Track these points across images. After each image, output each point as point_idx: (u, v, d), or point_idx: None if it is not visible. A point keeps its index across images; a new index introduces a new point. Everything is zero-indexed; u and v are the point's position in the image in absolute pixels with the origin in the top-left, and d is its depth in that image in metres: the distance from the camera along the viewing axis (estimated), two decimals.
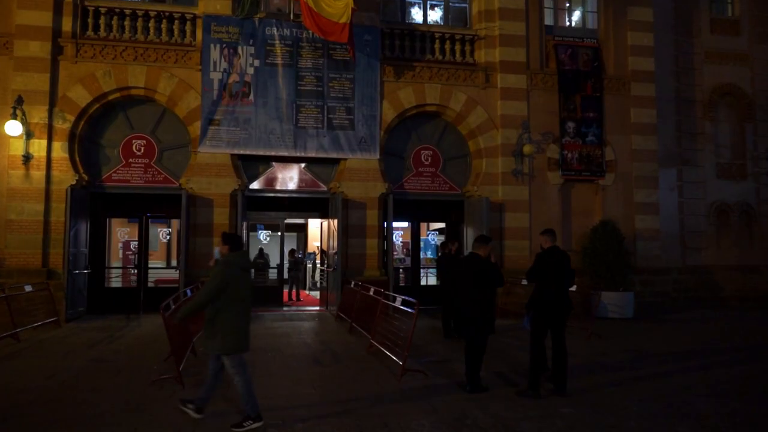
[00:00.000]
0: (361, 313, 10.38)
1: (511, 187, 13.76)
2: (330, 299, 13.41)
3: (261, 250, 16.50)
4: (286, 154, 12.92)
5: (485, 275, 6.44)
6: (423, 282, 15.15)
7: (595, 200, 14.50)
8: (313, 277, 20.17)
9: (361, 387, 6.61)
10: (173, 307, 7.22)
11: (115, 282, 14.93)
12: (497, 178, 13.80)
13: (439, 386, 6.65)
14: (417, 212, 14.60)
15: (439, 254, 12.98)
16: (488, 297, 6.47)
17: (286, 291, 15.94)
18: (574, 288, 6.95)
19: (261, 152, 12.80)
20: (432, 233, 15.60)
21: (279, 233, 15.08)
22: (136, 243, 15.87)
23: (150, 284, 14.23)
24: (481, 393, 6.29)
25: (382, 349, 8.03)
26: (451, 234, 14.85)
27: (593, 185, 14.47)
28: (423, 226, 16.01)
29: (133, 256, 15.52)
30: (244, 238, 12.90)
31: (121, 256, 16.88)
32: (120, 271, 15.60)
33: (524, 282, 12.17)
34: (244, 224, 13.03)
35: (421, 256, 15.17)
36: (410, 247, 14.94)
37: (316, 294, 18.00)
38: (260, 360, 8.04)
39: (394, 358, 7.48)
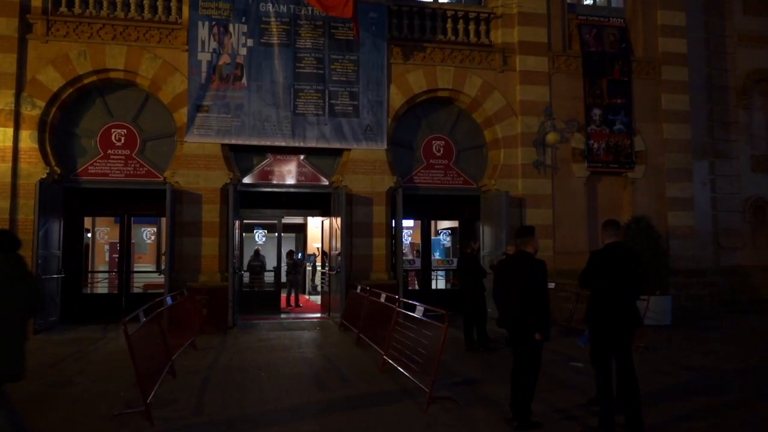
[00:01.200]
0: (370, 322, 9.06)
1: (532, 181, 12.45)
2: (333, 305, 12.08)
3: (257, 251, 15.18)
4: (283, 143, 11.59)
5: (540, 276, 5.12)
6: (431, 285, 13.83)
7: (624, 195, 13.19)
8: (313, 280, 18.87)
9: (378, 421, 5.27)
10: (143, 319, 5.87)
11: (102, 287, 13.60)
12: (517, 170, 12.50)
13: (475, 420, 5.32)
14: (427, 209, 13.29)
15: (460, 255, 11.63)
16: (545, 303, 5.13)
17: (284, 296, 14.62)
18: (644, 297, 5.60)
19: (255, 142, 11.47)
20: (444, 232, 14.26)
21: (276, 233, 13.75)
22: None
23: (138, 290, 12.97)
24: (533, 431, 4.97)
25: (399, 368, 6.71)
26: (466, 233, 13.53)
27: (621, 178, 13.16)
28: (432, 224, 14.63)
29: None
30: (237, 238, 11.57)
31: (107, 259, 15.55)
32: (105, 276, 14.23)
33: (550, 285, 10.88)
34: (237, 223, 11.69)
35: (432, 257, 13.82)
36: (420, 247, 13.59)
37: (317, 299, 16.66)
38: (251, 382, 6.71)
39: (414, 380, 6.15)
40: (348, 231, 11.51)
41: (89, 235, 14.14)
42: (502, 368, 7.40)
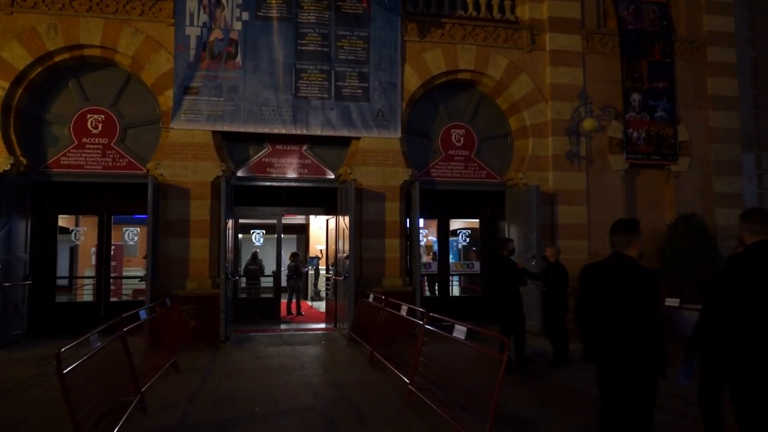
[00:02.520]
0: (386, 338, 7.67)
1: (564, 174, 11.01)
2: (340, 314, 10.64)
3: (254, 254, 13.74)
4: (283, 131, 10.17)
5: (653, 290, 3.63)
6: (449, 292, 12.38)
7: (666, 190, 11.74)
8: (315, 285, 17.43)
9: None
10: (96, 345, 4.43)
11: (87, 295, 12.17)
12: (547, 162, 11.07)
13: None
14: (445, 206, 11.84)
15: (495, 258, 10.15)
16: (660, 329, 3.61)
17: (283, 302, 13.18)
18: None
19: (251, 129, 10.04)
20: (463, 233, 12.81)
21: (275, 234, 12.30)
22: (112, 248, 13.19)
23: (127, 297, 11.61)
24: None
25: (430, 403, 5.26)
26: (488, 234, 12.09)
27: (663, 172, 11.72)
28: (449, 224, 13.15)
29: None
30: (230, 239, 10.14)
31: (93, 263, 14.11)
32: (85, 282, 12.80)
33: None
34: (230, 222, 10.26)
35: (451, 260, 12.36)
36: (436, 249, 12.12)
37: (320, 305, 15.25)
38: (242, 421, 5.27)
39: (453, 422, 4.71)
40: (357, 231, 10.08)
41: (73, 236, 12.70)
42: (559, 401, 5.97)
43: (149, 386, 6.05)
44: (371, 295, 8.87)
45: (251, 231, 14.77)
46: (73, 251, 15.16)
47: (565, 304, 7.96)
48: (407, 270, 10.59)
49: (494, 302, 7.75)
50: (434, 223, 13.42)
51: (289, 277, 13.64)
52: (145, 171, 9.74)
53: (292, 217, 18.11)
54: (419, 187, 10.28)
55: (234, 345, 9.27)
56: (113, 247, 13.19)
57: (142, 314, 6.58)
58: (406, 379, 5.92)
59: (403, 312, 6.67)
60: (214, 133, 9.91)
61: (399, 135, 10.48)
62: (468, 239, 12.89)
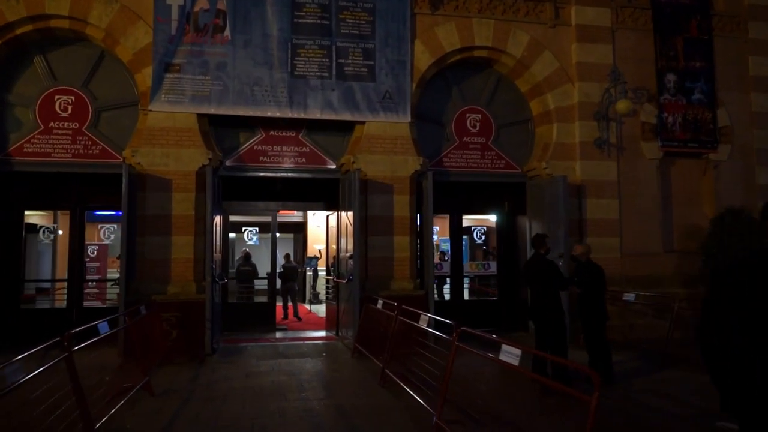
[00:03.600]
0: (401, 352, 6.46)
1: (593, 164, 9.84)
2: (343, 321, 9.45)
3: (247, 254, 12.53)
4: (277, 114, 8.98)
5: None
6: (463, 295, 11.18)
7: (703, 182, 10.58)
8: (314, 287, 16.25)
9: None
10: (19, 377, 3.23)
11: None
12: (573, 150, 9.90)
13: None
14: (458, 199, 10.65)
15: (533, 257, 8.97)
16: None
17: (278, 304, 12.01)
18: None
19: (241, 112, 8.85)
20: (478, 229, 11.61)
21: (270, 233, 11.10)
22: (96, 247, 12.02)
23: (111, 302, 10.40)
24: None
25: None
26: (506, 231, 10.92)
27: (700, 161, 10.56)
28: (457, 219, 11.91)
29: (91, 265, 11.57)
30: (218, 237, 8.94)
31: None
32: (55, 286, 11.59)
33: (628, 298, 8.30)
34: (218, 218, 9.07)
35: (465, 260, 11.17)
36: (448, 248, 10.94)
37: (318, 309, 14.08)
38: None
39: None
40: (362, 227, 8.89)
41: (42, 235, 11.50)
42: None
43: (110, 417, 4.86)
44: (380, 301, 7.68)
45: (243, 229, 13.57)
46: (54, 251, 13.97)
47: (604, 309, 6.79)
48: (418, 271, 9.41)
49: (531, 308, 6.52)
50: (444, 220, 12.33)
51: (283, 279, 12.46)
52: (122, 159, 8.54)
53: (289, 215, 17.00)
54: (432, 178, 9.08)
55: (222, 358, 8.07)
56: (97, 246, 12.04)
57: (103, 327, 5.37)
58: (430, 409, 4.73)
59: (423, 323, 5.48)
60: (200, 116, 8.72)
61: (408, 119, 9.30)
62: (484, 237, 11.70)
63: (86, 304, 10.42)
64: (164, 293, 8.28)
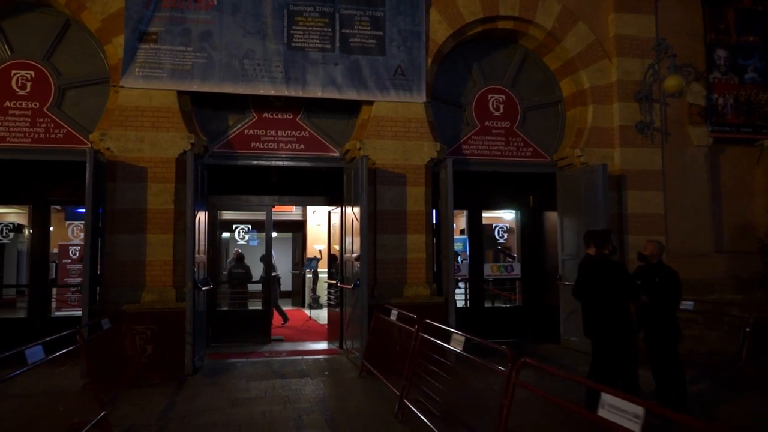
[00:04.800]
0: (422, 374, 5.19)
1: (634, 151, 8.58)
2: (347, 331, 8.19)
3: (239, 255, 11.26)
4: (272, 92, 7.71)
5: None
6: (483, 301, 9.90)
7: (757, 172, 9.32)
8: (314, 291, 14.98)
9: None
10: None
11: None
12: (612, 135, 8.64)
13: None
14: (478, 192, 9.40)
15: (595, 258, 7.70)
16: None
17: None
18: None
19: (229, 89, 7.58)
20: (500, 227, 10.31)
21: (265, 231, 9.81)
22: (78, 248, 10.76)
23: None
24: None
25: None
26: (531, 227, 9.66)
27: (753, 149, 9.31)
28: (476, 215, 10.58)
29: (73, 267, 10.33)
30: (201, 236, 7.66)
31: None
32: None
33: (686, 305, 7.04)
34: (202, 213, 7.81)
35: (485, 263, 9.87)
36: (467, 247, 9.66)
37: (319, 314, 12.82)
38: None
39: None
40: (371, 224, 7.62)
41: (11, 233, 10.24)
42: None
43: None
44: (394, 312, 6.41)
45: (234, 227, 12.29)
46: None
47: (677, 323, 5.51)
48: (435, 275, 8.14)
49: (592, 322, 5.22)
50: (460, 215, 11.11)
51: (274, 281, 11.21)
52: (90, 145, 7.26)
53: (287, 212, 15.78)
54: (452, 168, 7.80)
55: (206, 378, 6.80)
56: (79, 247, 10.77)
57: (36, 354, 4.06)
58: None
59: (457, 346, 4.19)
60: (180, 94, 7.45)
61: (423, 98, 8.04)
62: (505, 235, 10.41)
63: (62, 312, 9.24)
64: (138, 301, 7.01)
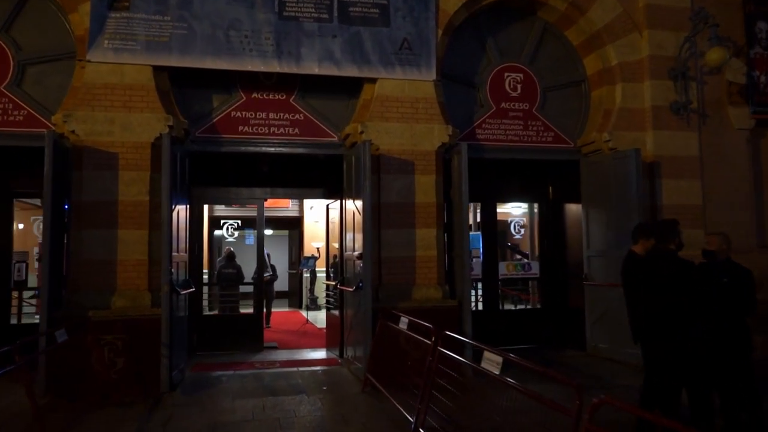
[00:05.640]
0: (439, 394, 4.28)
1: (669, 135, 7.67)
2: (348, 338, 7.27)
3: (230, 254, 10.38)
4: (262, 68, 6.79)
5: None
6: (499, 303, 8.99)
7: None
8: (311, 291, 14.11)
9: None
10: None
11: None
12: (643, 118, 7.73)
13: None
14: (492, 182, 8.48)
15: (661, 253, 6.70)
16: None
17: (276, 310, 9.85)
18: None
19: (213, 64, 6.65)
20: (516, 222, 9.34)
21: (258, 227, 8.89)
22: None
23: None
24: None
25: None
26: (550, 220, 8.76)
27: None
28: (490, 207, 9.63)
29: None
30: (182, 231, 6.73)
31: (36, 267, 10.75)
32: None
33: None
34: (182, 207, 6.88)
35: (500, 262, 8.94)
36: (480, 244, 8.74)
37: (317, 317, 11.92)
38: None
39: None
40: (374, 218, 6.69)
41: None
42: None
43: None
44: (403, 319, 5.49)
45: (222, 223, 11.36)
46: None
47: (748, 330, 4.59)
48: (447, 275, 7.22)
49: (651, 329, 4.27)
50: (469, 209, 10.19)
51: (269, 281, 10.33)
52: (52, 128, 6.32)
53: (282, 208, 14.89)
54: (467, 153, 6.88)
55: (185, 397, 5.88)
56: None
57: None
58: None
59: (491, 366, 3.26)
60: (157, 70, 6.52)
61: (433, 76, 7.12)
62: (522, 230, 9.49)
63: (34, 319, 8.35)
64: (108, 307, 6.09)
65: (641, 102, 7.72)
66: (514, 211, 12.31)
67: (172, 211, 6.12)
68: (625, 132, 7.62)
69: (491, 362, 3.27)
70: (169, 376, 5.89)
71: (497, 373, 3.19)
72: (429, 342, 4.46)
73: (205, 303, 11.27)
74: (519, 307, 9.14)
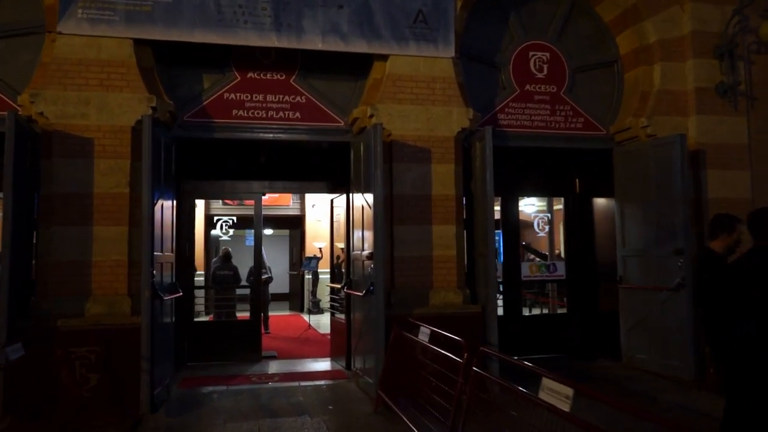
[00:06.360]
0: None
1: (715, 120, 6.85)
2: (357, 348, 6.47)
3: (226, 253, 9.59)
4: (258, 43, 6.00)
5: None
6: (521, 308, 8.17)
7: None
8: (313, 294, 13.32)
9: None
10: None
11: None
12: (684, 101, 6.92)
13: None
14: (515, 175, 7.66)
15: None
16: None
17: (273, 314, 9.07)
18: None
19: (202, 38, 5.85)
20: (542, 219, 8.52)
21: (256, 225, 8.09)
22: None
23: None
24: None
25: None
26: (577, 217, 7.95)
27: None
28: (512, 202, 8.79)
29: None
30: (167, 228, 5.91)
31: None
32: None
33: None
34: (167, 204, 6.08)
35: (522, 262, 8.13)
36: (500, 243, 7.91)
37: (320, 322, 11.14)
38: None
39: None
40: (386, 213, 5.88)
41: None
42: None
43: None
44: (424, 330, 4.69)
45: (216, 219, 10.56)
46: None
47: None
48: (468, 277, 6.41)
49: (742, 342, 3.45)
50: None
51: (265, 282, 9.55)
52: (18, 110, 5.52)
53: (283, 206, 14.14)
54: (491, 138, 6.06)
55: (170, 418, 5.08)
56: None
57: None
58: None
59: (557, 400, 2.46)
60: (139, 44, 5.73)
61: (452, 53, 6.32)
62: (546, 228, 8.64)
63: None
64: (81, 315, 5.29)
65: (683, 83, 6.91)
66: (526, 209, 11.53)
67: (154, 204, 5.31)
68: (665, 117, 6.80)
69: (555, 394, 2.46)
70: (150, 395, 5.08)
71: (567, 409, 2.38)
72: (459, 360, 3.64)
73: (201, 308, 10.52)
74: (543, 311, 8.30)
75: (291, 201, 14.34)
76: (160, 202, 5.55)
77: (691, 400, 5.48)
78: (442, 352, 4.19)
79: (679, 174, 6.29)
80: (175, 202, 6.34)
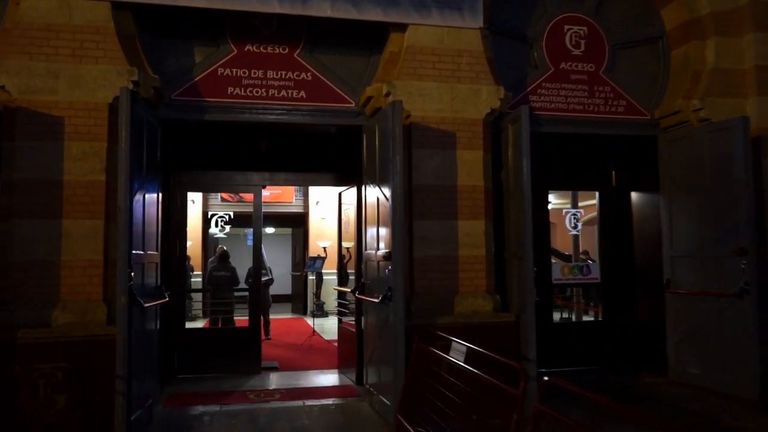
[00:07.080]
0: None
1: None
2: (370, 360, 5.63)
3: (223, 253, 8.78)
4: (258, 9, 5.18)
5: None
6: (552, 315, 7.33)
7: None
8: (318, 296, 12.55)
9: None
10: None
11: None
12: (743, 80, 6.09)
13: None
14: (545, 165, 6.81)
15: None
16: None
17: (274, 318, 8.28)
18: None
19: (190, 2, 5.03)
20: (574, 215, 7.65)
21: (254, 221, 7.27)
22: None
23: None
24: None
25: None
26: (614, 213, 7.12)
27: None
28: (541, 196, 7.94)
29: None
30: (150, 223, 5.08)
31: None
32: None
33: None
34: (152, 196, 5.26)
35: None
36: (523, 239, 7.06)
37: (324, 326, 10.35)
38: None
39: None
40: (405, 206, 5.05)
41: None
42: None
43: None
44: (459, 345, 3.85)
45: (211, 215, 9.75)
46: None
47: None
48: (495, 278, 5.58)
49: None
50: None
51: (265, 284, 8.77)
52: None
53: (285, 203, 13.42)
54: (529, 119, 5.23)
55: None
56: None
57: None
58: None
59: None
60: (118, 8, 4.92)
61: (480, 23, 5.50)
62: (579, 225, 7.80)
63: None
64: (47, 325, 4.48)
65: (741, 61, 6.08)
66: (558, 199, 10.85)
67: (134, 194, 4.49)
68: (721, 98, 5.99)
69: None
70: (126, 421, 4.25)
71: None
72: (514, 391, 2.82)
73: (199, 312, 9.72)
74: (575, 318, 7.49)
75: (294, 198, 13.61)
76: (142, 193, 4.74)
77: (762, 423, 4.67)
78: (483, 375, 3.37)
79: (741, 163, 5.47)
80: (161, 194, 5.53)
